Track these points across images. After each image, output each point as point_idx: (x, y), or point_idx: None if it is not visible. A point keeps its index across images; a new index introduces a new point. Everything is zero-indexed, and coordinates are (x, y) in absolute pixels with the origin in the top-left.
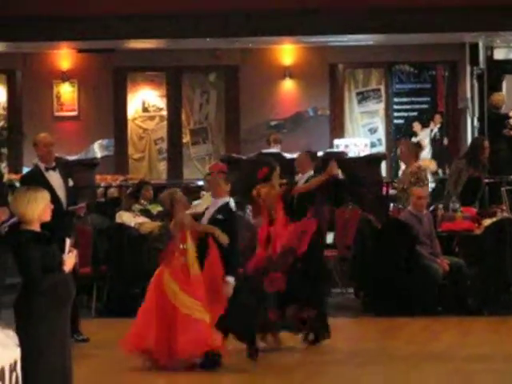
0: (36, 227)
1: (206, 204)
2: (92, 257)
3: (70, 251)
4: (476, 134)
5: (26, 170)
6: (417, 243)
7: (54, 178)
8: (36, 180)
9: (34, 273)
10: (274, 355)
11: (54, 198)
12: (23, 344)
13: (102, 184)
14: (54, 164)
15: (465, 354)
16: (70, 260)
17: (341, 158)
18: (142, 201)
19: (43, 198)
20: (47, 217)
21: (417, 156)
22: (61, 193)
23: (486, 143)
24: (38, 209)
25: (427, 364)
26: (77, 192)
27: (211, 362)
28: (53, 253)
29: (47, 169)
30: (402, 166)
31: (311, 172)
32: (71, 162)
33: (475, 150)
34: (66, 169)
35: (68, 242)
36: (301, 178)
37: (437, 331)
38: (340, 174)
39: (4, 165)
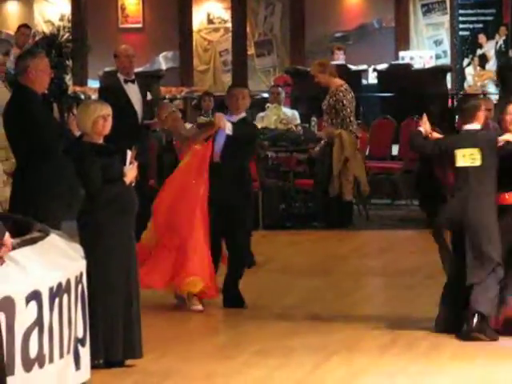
0: (96, 139)
1: (272, 116)
2: (157, 170)
3: (131, 163)
4: None
5: (90, 82)
6: None
7: (133, 90)
8: (114, 91)
9: (93, 184)
10: None
11: (131, 111)
12: (88, 255)
13: (167, 96)
14: (133, 77)
15: None
16: (130, 172)
17: (407, 69)
18: (204, 112)
19: (95, 109)
20: (104, 129)
21: (333, 75)
22: (138, 106)
23: None
24: (88, 121)
25: None
26: (156, 105)
27: None
28: (113, 165)
29: (126, 81)
30: None
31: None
32: (136, 73)
33: None
34: (145, 82)
35: (129, 154)
36: None
37: None
38: (229, 129)
39: (69, 77)
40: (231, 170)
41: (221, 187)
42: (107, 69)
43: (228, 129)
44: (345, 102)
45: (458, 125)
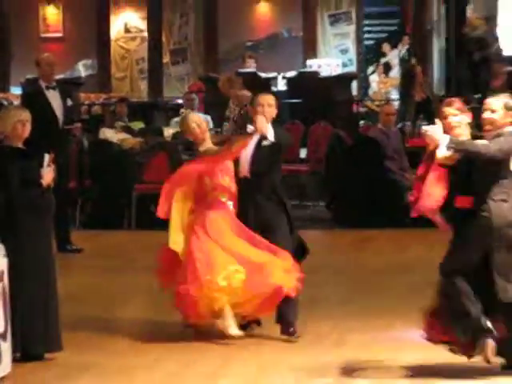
0: (16, 143)
1: None
2: (77, 172)
3: (48, 166)
4: (442, 55)
5: (13, 88)
6: (386, 158)
7: (54, 97)
8: (36, 98)
9: (11, 186)
10: None
11: (52, 116)
12: (8, 254)
13: (86, 102)
14: (54, 83)
15: (431, 266)
16: (48, 174)
17: (314, 77)
18: (119, 118)
19: (15, 115)
20: (23, 134)
21: (240, 88)
22: (59, 112)
23: (418, 69)
24: (8, 125)
25: (394, 275)
26: (75, 111)
27: None
28: (31, 168)
29: (48, 87)
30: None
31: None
32: (56, 80)
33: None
34: (65, 89)
35: (47, 157)
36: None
37: (404, 244)
38: (271, 135)
39: None
40: (263, 184)
41: (253, 205)
42: (29, 76)
43: (270, 134)
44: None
45: (363, 129)
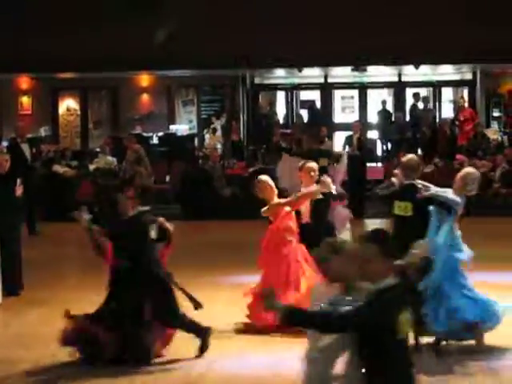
0: (1, 172)
1: (101, 161)
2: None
3: (19, 185)
4: (246, 125)
5: (4, 142)
6: (213, 181)
7: (25, 147)
8: (14, 148)
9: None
10: None
11: (24, 159)
12: None
13: (45, 150)
14: (25, 139)
15: None
16: (19, 190)
17: (174, 135)
18: (63, 158)
19: (1, 156)
20: (5, 167)
21: (135, 142)
22: (28, 155)
23: (234, 125)
24: None
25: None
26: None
27: None
28: (11, 185)
29: (22, 142)
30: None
31: None
32: (27, 138)
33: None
34: (32, 142)
35: (19, 180)
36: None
37: None
38: (334, 190)
39: None
40: (320, 228)
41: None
42: (12, 135)
43: (334, 189)
44: (143, 155)
45: (201, 164)
